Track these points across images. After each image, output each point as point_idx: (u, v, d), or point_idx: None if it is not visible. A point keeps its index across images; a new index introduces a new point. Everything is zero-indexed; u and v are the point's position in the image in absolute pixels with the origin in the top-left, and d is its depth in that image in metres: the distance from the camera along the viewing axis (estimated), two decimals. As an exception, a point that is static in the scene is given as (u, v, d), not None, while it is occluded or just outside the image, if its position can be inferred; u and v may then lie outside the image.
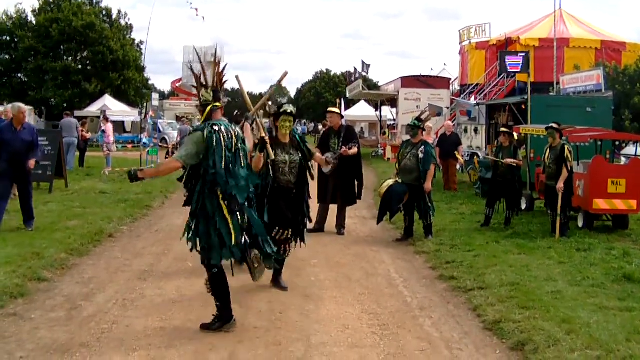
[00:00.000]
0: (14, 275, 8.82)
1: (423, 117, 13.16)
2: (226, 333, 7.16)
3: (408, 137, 13.39)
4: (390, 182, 12.91)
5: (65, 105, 51.02)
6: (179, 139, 32.40)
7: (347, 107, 54.43)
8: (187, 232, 7.16)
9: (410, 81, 37.66)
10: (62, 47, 56.96)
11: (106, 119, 29.97)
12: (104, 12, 61.80)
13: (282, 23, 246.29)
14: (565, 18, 39.51)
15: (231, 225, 6.89)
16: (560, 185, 12.63)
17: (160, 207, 17.00)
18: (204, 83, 7.26)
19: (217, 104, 7.19)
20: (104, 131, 28.14)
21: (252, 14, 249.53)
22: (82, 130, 28.24)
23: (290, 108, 8.82)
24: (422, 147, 12.72)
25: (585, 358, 6.24)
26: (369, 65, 45.74)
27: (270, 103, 9.57)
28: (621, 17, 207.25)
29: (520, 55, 26.73)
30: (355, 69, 47.26)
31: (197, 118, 57.79)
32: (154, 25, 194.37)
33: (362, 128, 58.26)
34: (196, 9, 64.00)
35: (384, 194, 12.75)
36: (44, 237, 11.45)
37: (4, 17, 57.78)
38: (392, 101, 41.60)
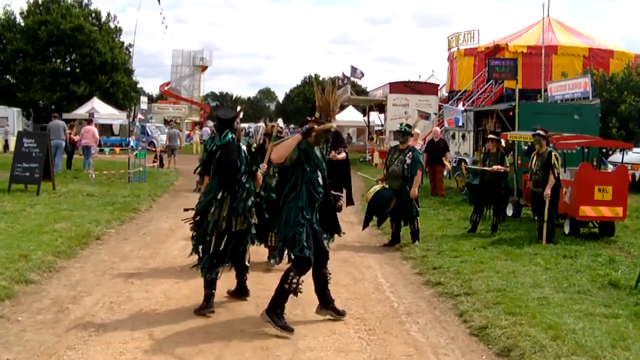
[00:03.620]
0: (1, 278, 8.78)
1: (411, 123, 13.24)
2: (213, 337, 7.18)
3: (397, 143, 13.43)
4: (377, 187, 12.95)
5: (53, 107, 50.98)
6: (167, 142, 32.35)
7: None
8: None
9: (399, 87, 37.75)
10: (50, 49, 56.98)
11: (88, 122, 30.17)
12: (93, 15, 61.84)
13: (271, 28, 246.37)
14: (554, 25, 39.62)
15: None
16: (547, 192, 12.69)
17: (147, 210, 16.98)
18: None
19: (308, 117, 8.19)
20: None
21: (241, 18, 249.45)
22: (70, 133, 28.20)
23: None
24: (410, 152, 12.76)
25: (570, 364, 6.28)
26: (362, 73, 45.67)
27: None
28: (608, 25, 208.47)
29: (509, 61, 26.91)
30: (344, 74, 47.26)
31: (185, 122, 57.68)
32: (142, 28, 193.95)
33: (349, 133, 58.30)
34: (164, 17, 64.07)
35: (370, 200, 12.79)
36: (31, 240, 11.40)
37: (-8, 19, 57.77)
38: (380, 107, 41.66)
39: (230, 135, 8.02)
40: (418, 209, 12.85)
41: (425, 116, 32.28)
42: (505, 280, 9.57)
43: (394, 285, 9.84)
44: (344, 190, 13.47)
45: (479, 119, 26.86)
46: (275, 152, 7.39)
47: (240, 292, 8.79)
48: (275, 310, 7.46)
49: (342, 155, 12.97)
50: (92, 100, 51.60)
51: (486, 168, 14.06)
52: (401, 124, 13.22)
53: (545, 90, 30.23)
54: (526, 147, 17.03)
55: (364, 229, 13.32)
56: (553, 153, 12.93)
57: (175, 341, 7.02)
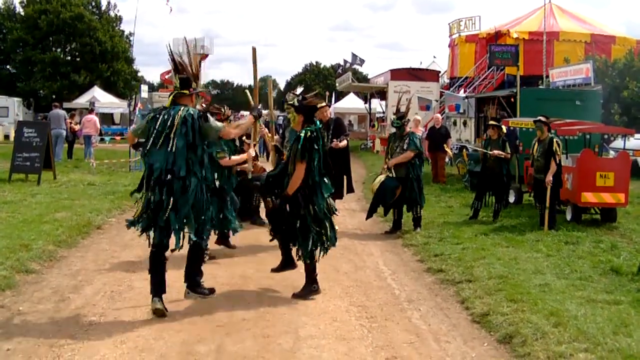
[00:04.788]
0: (2, 267, 8.79)
1: (402, 109, 13.16)
2: (214, 325, 7.17)
3: (394, 130, 13.34)
4: (382, 177, 12.91)
5: (54, 96, 50.95)
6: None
7: (336, 100, 54.38)
8: None
9: (400, 74, 37.63)
10: (50, 38, 56.94)
11: (90, 111, 30.32)
12: (93, 4, 61.71)
13: (272, 15, 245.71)
14: (555, 11, 39.51)
15: (144, 200, 7.49)
16: (549, 178, 12.66)
17: (149, 199, 16.94)
18: (180, 69, 7.63)
19: (184, 91, 7.58)
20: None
21: (241, 6, 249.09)
22: (71, 122, 28.21)
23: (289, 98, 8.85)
24: (407, 138, 12.73)
25: (572, 350, 6.26)
26: (363, 60, 45.60)
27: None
28: (610, 10, 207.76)
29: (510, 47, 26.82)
30: (345, 61, 47.19)
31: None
32: (143, 17, 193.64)
33: (350, 120, 58.21)
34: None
35: (376, 190, 12.74)
36: (32, 229, 11.40)
37: (-8, 8, 57.72)
38: (382, 94, 41.59)
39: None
40: (420, 196, 12.80)
41: (426, 107, 32.21)
42: (506, 267, 9.56)
43: (395, 273, 9.83)
44: (345, 178, 13.47)
45: (481, 105, 26.80)
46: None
47: (286, 265, 8.83)
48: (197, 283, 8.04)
49: (344, 143, 12.96)
50: (92, 89, 51.53)
51: (487, 151, 14.02)
52: (393, 121, 13.17)
53: (547, 77, 30.19)
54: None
55: (367, 218, 13.25)
56: (554, 139, 12.89)
57: (176, 329, 7.01)
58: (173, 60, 7.65)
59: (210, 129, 7.48)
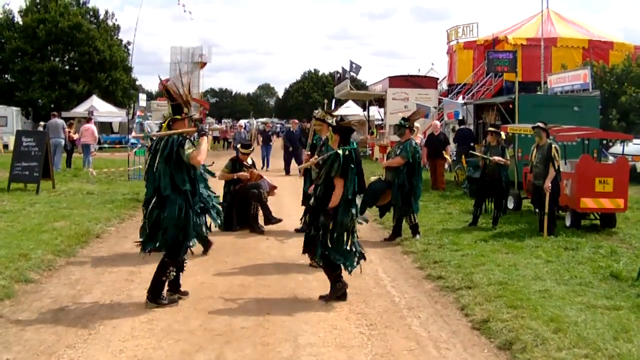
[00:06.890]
0: (1, 277, 8.78)
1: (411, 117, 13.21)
2: (213, 334, 7.15)
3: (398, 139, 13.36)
4: (373, 178, 12.93)
5: (52, 106, 50.86)
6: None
7: (335, 107, 54.32)
8: None
9: (398, 81, 37.57)
10: (49, 47, 56.82)
11: (87, 120, 30.34)
12: (91, 13, 61.70)
13: (269, 24, 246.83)
14: (553, 17, 39.58)
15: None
16: (548, 184, 12.65)
17: (147, 208, 16.92)
18: (173, 97, 8.35)
19: (177, 116, 8.27)
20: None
21: (239, 14, 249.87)
22: (69, 131, 28.19)
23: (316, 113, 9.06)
24: (402, 144, 12.72)
25: (572, 357, 6.25)
26: (359, 67, 45.62)
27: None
28: (607, 16, 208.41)
29: (508, 53, 26.88)
30: (344, 69, 47.20)
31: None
32: (141, 26, 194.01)
33: (350, 128, 58.06)
34: (183, 5, 63.71)
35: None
36: (30, 239, 11.39)
37: (-9, 17, 57.68)
38: (380, 101, 41.56)
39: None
40: (411, 206, 12.73)
41: (426, 115, 32.25)
42: (506, 273, 9.55)
43: (395, 280, 9.82)
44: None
45: (479, 112, 26.84)
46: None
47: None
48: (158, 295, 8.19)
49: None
50: (91, 98, 51.45)
51: (487, 157, 13.98)
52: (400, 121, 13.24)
53: (545, 83, 30.22)
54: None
55: (362, 213, 13.12)
56: (553, 145, 12.88)
57: (176, 339, 6.99)
58: (167, 91, 8.38)
59: (183, 155, 8.04)
